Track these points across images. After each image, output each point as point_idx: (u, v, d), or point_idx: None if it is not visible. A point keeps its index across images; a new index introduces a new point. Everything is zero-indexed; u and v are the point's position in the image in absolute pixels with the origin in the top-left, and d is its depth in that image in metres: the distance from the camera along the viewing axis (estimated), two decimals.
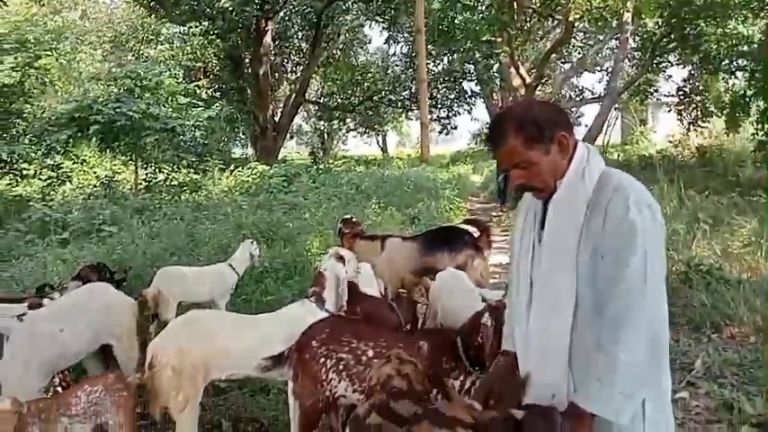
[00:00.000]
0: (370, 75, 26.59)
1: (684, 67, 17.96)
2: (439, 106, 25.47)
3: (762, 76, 11.67)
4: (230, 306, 5.10)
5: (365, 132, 33.05)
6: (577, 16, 15.43)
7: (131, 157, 13.05)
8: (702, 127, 17.18)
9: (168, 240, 7.39)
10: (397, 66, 26.71)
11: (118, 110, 11.29)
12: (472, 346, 2.64)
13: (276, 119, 22.43)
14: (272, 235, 7.62)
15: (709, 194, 8.66)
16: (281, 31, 23.44)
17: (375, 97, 25.68)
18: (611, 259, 1.62)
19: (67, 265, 6.48)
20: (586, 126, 17.52)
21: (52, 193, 11.90)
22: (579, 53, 24.54)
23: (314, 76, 24.90)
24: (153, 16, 17.43)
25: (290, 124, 24.67)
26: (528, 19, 18.75)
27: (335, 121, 29.79)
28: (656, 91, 19.69)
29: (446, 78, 25.44)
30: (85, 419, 2.72)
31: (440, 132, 26.77)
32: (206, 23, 17.62)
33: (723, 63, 14.89)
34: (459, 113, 26.17)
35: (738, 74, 15.04)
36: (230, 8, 17.63)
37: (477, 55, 21.48)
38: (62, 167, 12.63)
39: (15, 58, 11.52)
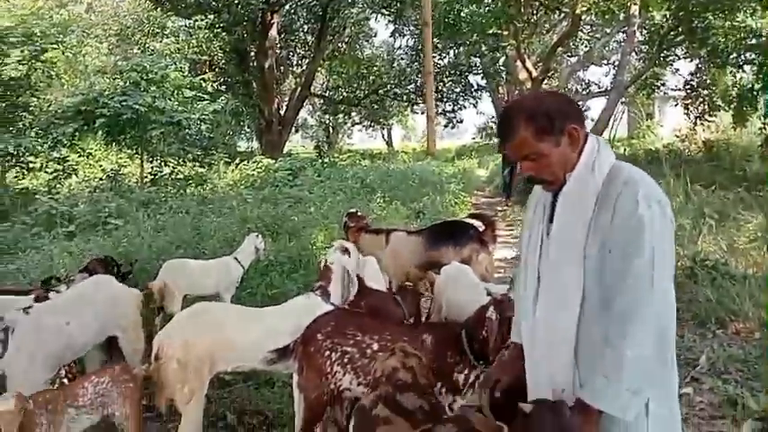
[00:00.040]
0: (375, 68, 26.44)
1: (692, 60, 17.79)
2: (444, 100, 25.35)
3: None
4: (235, 299, 5.12)
5: (370, 126, 32.97)
6: (584, 9, 15.27)
7: (137, 150, 13.07)
8: (709, 121, 17.01)
9: (174, 233, 7.41)
10: (402, 59, 26.54)
11: (124, 103, 11.30)
12: (477, 340, 2.65)
13: (281, 112, 22.43)
14: (278, 228, 7.65)
15: (716, 189, 8.60)
16: (287, 24, 23.38)
17: (380, 91, 25.56)
18: (618, 254, 1.61)
19: (74, 258, 6.52)
20: (593, 120, 17.38)
21: (58, 186, 11.94)
22: (586, 46, 24.33)
23: (319, 69, 24.81)
24: (159, 9, 17.40)
25: (296, 118, 24.63)
26: (534, 12, 18.61)
27: (341, 115, 29.69)
28: (663, 85, 19.50)
29: (452, 72, 25.33)
30: (92, 410, 2.75)
31: (445, 126, 26.65)
32: (212, 16, 17.60)
33: (731, 56, 14.70)
34: (465, 107, 26.09)
35: (746, 67, 14.86)
36: (236, 1, 17.63)
37: (484, 48, 21.34)
38: (68, 160, 12.64)
39: (22, 51, 11.52)
